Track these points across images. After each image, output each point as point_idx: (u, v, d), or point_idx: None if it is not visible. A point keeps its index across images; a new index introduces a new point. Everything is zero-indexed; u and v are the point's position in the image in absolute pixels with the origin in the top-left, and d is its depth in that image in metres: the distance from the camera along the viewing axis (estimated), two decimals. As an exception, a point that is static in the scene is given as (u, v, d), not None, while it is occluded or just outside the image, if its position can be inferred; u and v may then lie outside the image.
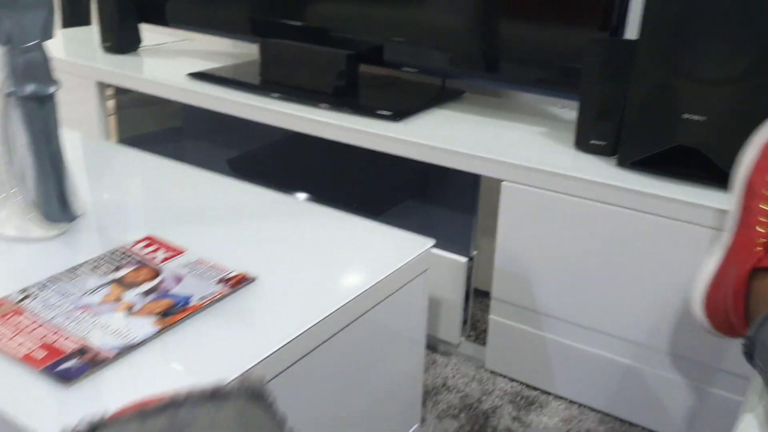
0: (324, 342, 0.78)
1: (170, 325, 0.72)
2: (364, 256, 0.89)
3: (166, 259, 0.84)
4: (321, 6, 1.38)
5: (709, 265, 0.89)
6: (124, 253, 0.85)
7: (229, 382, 0.44)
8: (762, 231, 0.82)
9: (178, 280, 0.80)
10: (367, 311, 0.83)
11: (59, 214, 0.90)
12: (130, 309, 0.74)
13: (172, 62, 1.57)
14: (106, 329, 0.70)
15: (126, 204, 0.99)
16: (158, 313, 0.73)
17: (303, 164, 1.40)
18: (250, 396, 0.44)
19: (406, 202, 1.29)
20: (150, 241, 0.88)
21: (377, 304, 0.85)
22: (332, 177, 1.37)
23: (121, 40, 1.59)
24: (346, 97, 1.32)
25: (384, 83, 1.44)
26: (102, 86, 1.55)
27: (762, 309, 0.77)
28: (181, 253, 0.86)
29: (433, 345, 1.28)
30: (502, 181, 1.09)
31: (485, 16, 1.23)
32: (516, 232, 1.10)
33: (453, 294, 1.20)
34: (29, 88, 0.85)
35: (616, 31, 1.14)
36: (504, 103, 1.40)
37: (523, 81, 1.23)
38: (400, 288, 0.89)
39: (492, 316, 1.17)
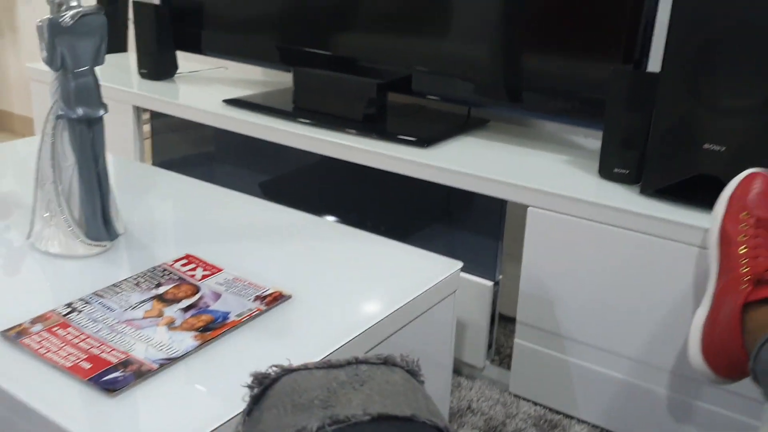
0: (356, 359, 0.80)
1: (210, 339, 0.75)
2: (393, 276, 0.91)
3: (204, 276, 0.88)
4: (351, 37, 1.43)
5: (700, 314, 0.92)
6: (164, 270, 0.89)
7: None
8: (745, 270, 0.86)
9: (217, 296, 0.83)
10: (396, 331, 0.86)
11: (102, 233, 0.95)
12: (171, 323, 0.77)
13: (207, 89, 1.63)
14: (149, 342, 0.74)
15: (164, 223, 1.03)
16: (198, 328, 0.77)
17: (332, 188, 1.43)
18: (409, 370, 0.51)
19: (432, 226, 1.32)
20: (189, 259, 0.92)
21: (406, 324, 0.88)
22: (360, 201, 1.41)
23: (158, 66, 1.64)
24: (375, 123, 1.36)
25: (411, 111, 1.48)
26: (138, 111, 1.60)
27: (759, 338, 0.80)
28: (219, 271, 0.89)
29: (457, 368, 1.30)
30: (528, 206, 1.12)
31: (510, 47, 1.27)
32: (541, 256, 1.13)
33: (478, 317, 1.22)
34: (79, 111, 0.89)
35: (640, 63, 1.17)
36: (528, 132, 1.43)
37: (547, 110, 1.26)
38: (429, 309, 0.92)
39: (517, 340, 1.19)
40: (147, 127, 1.63)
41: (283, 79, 1.75)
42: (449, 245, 1.29)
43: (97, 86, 0.91)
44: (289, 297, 0.84)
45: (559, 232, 1.10)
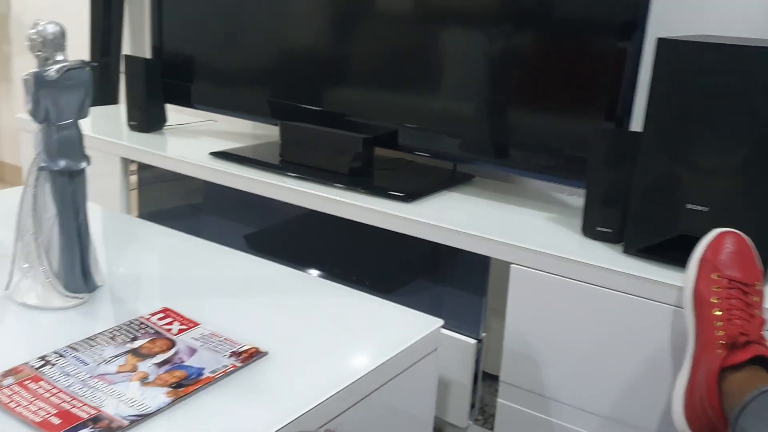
0: (332, 419, 0.79)
1: (183, 396, 0.73)
2: (373, 333, 0.90)
3: (181, 330, 0.87)
4: (338, 92, 1.44)
5: (683, 375, 0.92)
6: (141, 324, 0.87)
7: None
8: (720, 334, 0.86)
9: (192, 352, 0.82)
10: (375, 390, 0.85)
11: (81, 285, 0.94)
12: (144, 379, 0.76)
13: (195, 141, 1.64)
14: (121, 398, 0.72)
15: (144, 276, 1.02)
16: (172, 384, 0.75)
17: (317, 241, 1.43)
18: None
19: (415, 281, 1.32)
20: (166, 313, 0.91)
21: (386, 383, 0.86)
22: (345, 255, 1.40)
23: (147, 119, 1.66)
24: (361, 177, 1.37)
25: (397, 166, 1.49)
26: (126, 162, 1.61)
27: (736, 404, 0.79)
28: (196, 325, 0.88)
29: (440, 428, 1.28)
30: (511, 264, 1.12)
31: (495, 105, 1.28)
32: (525, 314, 1.12)
33: (461, 376, 1.21)
34: (62, 163, 0.90)
35: (621, 122, 1.18)
36: (513, 188, 1.44)
37: (531, 168, 1.27)
38: (409, 367, 0.90)
39: (500, 400, 1.18)
40: (134, 179, 1.63)
41: (272, 132, 1.77)
42: (433, 301, 1.28)
43: (80, 139, 0.91)
44: (265, 354, 0.83)
45: (542, 291, 1.10)
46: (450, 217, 1.21)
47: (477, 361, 1.21)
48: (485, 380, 1.38)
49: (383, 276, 1.34)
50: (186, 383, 0.76)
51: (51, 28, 0.85)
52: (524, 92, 1.26)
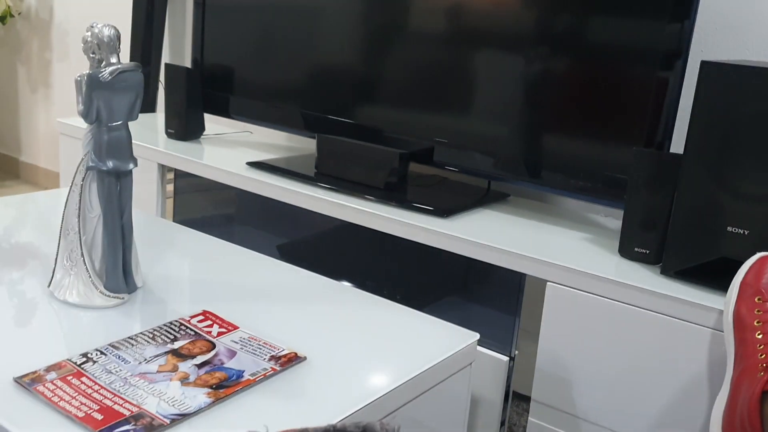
0: (368, 426, 0.79)
1: (223, 397, 0.74)
2: (409, 345, 0.90)
3: (220, 333, 0.87)
4: (375, 107, 1.46)
5: (720, 400, 0.91)
6: (181, 325, 0.88)
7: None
8: (762, 357, 0.85)
9: (232, 354, 0.83)
10: (408, 401, 0.85)
11: (121, 285, 0.95)
12: (185, 379, 0.76)
13: (232, 151, 1.65)
14: (162, 397, 0.73)
15: (183, 279, 1.03)
16: (212, 386, 0.76)
17: (349, 254, 1.44)
18: None
19: (447, 297, 1.32)
20: (205, 315, 0.91)
21: (419, 395, 0.86)
22: (378, 268, 1.40)
23: (185, 127, 1.68)
24: (396, 192, 1.38)
25: (432, 182, 1.50)
26: (163, 169, 1.63)
27: None
28: (235, 329, 0.89)
29: (467, 444, 1.27)
30: (548, 282, 1.11)
31: (533, 126, 1.29)
32: (559, 333, 1.11)
33: (492, 393, 1.20)
34: (110, 164, 0.91)
35: (662, 145, 1.18)
36: (548, 208, 1.43)
37: (568, 188, 1.27)
38: (443, 381, 0.90)
39: (531, 419, 1.17)
40: (170, 186, 1.65)
41: (307, 145, 1.78)
42: (465, 317, 1.28)
43: (129, 140, 0.93)
44: (304, 359, 0.83)
45: (577, 309, 1.09)
46: (485, 234, 1.21)
47: (508, 379, 1.20)
48: (513, 400, 1.37)
49: (415, 291, 1.34)
50: (226, 385, 0.76)
51: (107, 31, 0.87)
52: (563, 113, 1.26)
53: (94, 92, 0.88)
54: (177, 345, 0.84)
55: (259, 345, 0.85)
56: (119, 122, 0.91)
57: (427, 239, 1.23)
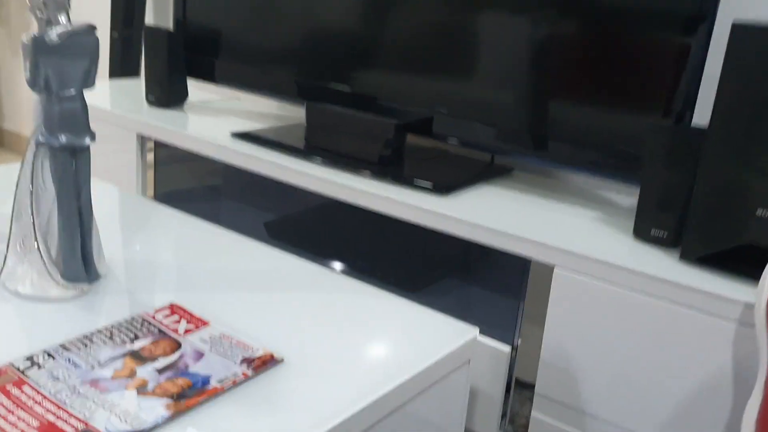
0: (352, 439, 0.70)
1: (184, 410, 0.65)
2: (401, 341, 0.81)
3: (188, 331, 0.78)
4: (370, 73, 1.34)
5: (753, 404, 0.82)
6: (144, 321, 0.79)
7: None
8: None
9: (199, 356, 0.73)
10: (399, 407, 0.75)
11: (80, 274, 0.85)
12: (142, 387, 0.67)
13: (217, 120, 1.55)
14: (114, 410, 0.64)
15: (153, 266, 0.94)
16: (173, 395, 0.66)
17: (341, 232, 1.34)
18: None
19: (445, 280, 1.22)
20: (173, 309, 0.82)
21: (412, 398, 0.77)
22: (370, 248, 1.31)
23: (167, 94, 1.57)
24: (391, 167, 1.27)
25: (430, 156, 1.39)
26: (142, 139, 1.52)
27: None
28: (205, 324, 0.79)
29: (466, 438, 1.19)
30: (555, 267, 1.02)
31: (540, 93, 1.18)
32: (566, 323, 1.02)
33: (493, 385, 1.11)
34: (62, 139, 0.81)
35: (682, 117, 1.07)
36: (555, 184, 1.33)
37: (577, 162, 1.16)
38: (439, 380, 0.81)
39: (534, 413, 1.08)
40: (152, 157, 1.55)
41: (298, 114, 1.67)
42: (464, 303, 1.18)
43: (85, 112, 0.82)
44: (281, 361, 0.74)
45: (586, 298, 0.99)
46: (487, 214, 1.11)
47: (510, 370, 1.11)
48: (517, 388, 1.28)
49: (411, 274, 1.24)
50: (189, 394, 0.67)
51: (53, -14, 0.76)
52: (573, 80, 1.15)
53: (41, 57, 0.77)
54: (137, 345, 0.74)
55: (231, 345, 0.76)
56: (72, 91, 0.81)
57: (423, 219, 1.13)
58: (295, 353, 0.76)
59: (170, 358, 0.72)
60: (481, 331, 1.12)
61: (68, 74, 0.79)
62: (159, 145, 1.54)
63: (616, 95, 1.11)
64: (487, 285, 1.16)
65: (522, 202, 1.19)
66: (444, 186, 1.19)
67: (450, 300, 1.18)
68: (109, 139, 1.55)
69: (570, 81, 1.15)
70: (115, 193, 1.19)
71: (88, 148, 0.84)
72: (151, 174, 1.55)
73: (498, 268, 1.15)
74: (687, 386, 0.94)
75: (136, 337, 0.75)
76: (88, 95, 1.67)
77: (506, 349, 1.09)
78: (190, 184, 1.53)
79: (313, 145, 1.36)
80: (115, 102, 1.61)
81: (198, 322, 0.80)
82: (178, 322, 0.79)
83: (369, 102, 1.35)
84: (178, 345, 0.75)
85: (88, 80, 0.82)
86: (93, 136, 0.84)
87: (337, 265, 1.31)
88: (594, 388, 1.01)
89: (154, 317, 0.80)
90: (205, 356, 0.73)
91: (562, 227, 1.08)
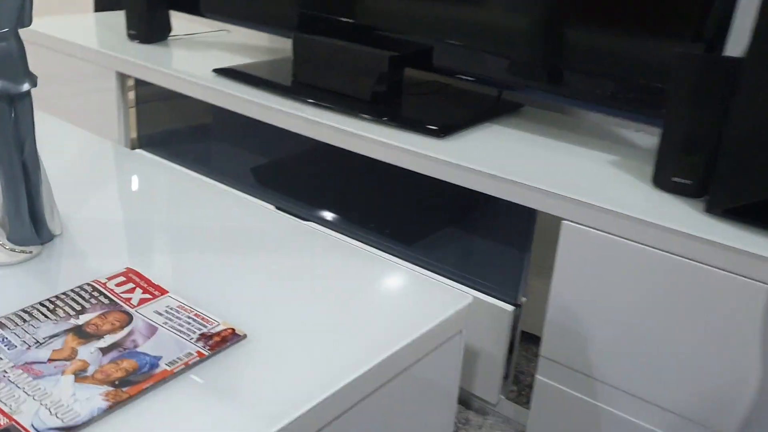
0: (326, 426, 0.61)
1: (125, 399, 0.56)
2: (385, 311, 0.72)
3: (143, 301, 0.69)
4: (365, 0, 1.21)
5: None
6: (94, 290, 0.70)
7: None
8: None
9: (151, 331, 0.65)
10: (382, 385, 0.67)
11: (29, 236, 0.76)
12: (81, 371, 0.59)
13: (201, 55, 1.43)
14: (45, 401, 0.56)
15: (115, 224, 0.85)
16: (114, 381, 0.58)
17: (333, 179, 1.24)
18: None
19: (445, 230, 1.12)
20: (128, 276, 0.73)
21: (395, 376, 0.68)
22: (364, 195, 1.21)
23: (148, 28, 1.45)
24: (385, 105, 1.16)
25: (430, 91, 1.27)
26: (122, 77, 1.42)
27: None
28: (163, 294, 0.71)
29: (466, 400, 1.11)
30: (563, 220, 0.91)
31: (553, 18, 1.05)
32: (575, 281, 0.92)
33: (494, 345, 1.03)
34: (-4, 85, 0.71)
35: (714, 45, 0.94)
36: (568, 122, 1.21)
37: (593, 98, 1.04)
38: (428, 353, 0.72)
39: (539, 377, 0.99)
40: (132, 94, 1.45)
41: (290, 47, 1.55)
42: (463, 257, 1.09)
43: (21, 53, 0.72)
44: (243, 337, 0.65)
45: (598, 254, 0.89)
46: (490, 159, 1.00)
47: (514, 329, 1.02)
48: (524, 342, 1.20)
49: (406, 224, 1.15)
50: (133, 379, 0.58)
51: None
52: (589, 3, 1.01)
53: (-41, -11, 0.66)
54: (82, 320, 0.66)
55: (189, 318, 0.67)
56: (4, 30, 0.70)
57: (418, 166, 1.02)
58: (262, 327, 0.67)
59: (118, 335, 0.64)
60: (482, 288, 1.03)
61: (-3, 9, 0.69)
62: (140, 83, 1.43)
63: (639, 18, 0.98)
64: (489, 237, 1.06)
65: (530, 143, 1.08)
66: (443, 126, 1.08)
67: (448, 253, 1.09)
68: (87, 77, 1.45)
69: (586, 4, 1.01)
70: (83, 139, 1.10)
71: (28, 94, 0.74)
72: (133, 113, 1.45)
73: (501, 218, 1.04)
74: (708, 355, 0.84)
75: (83, 310, 0.67)
76: (68, 28, 1.56)
77: (509, 308, 0.99)
78: (174, 124, 1.43)
79: (301, 81, 1.24)
80: (94, 37, 1.49)
81: (155, 290, 0.71)
82: (133, 290, 0.71)
83: (362, 32, 1.23)
84: (129, 318, 0.67)
85: (23, 16, 0.71)
86: (33, 81, 0.74)
87: (328, 215, 1.22)
88: (604, 353, 0.92)
89: (105, 285, 0.71)
90: (158, 332, 0.65)
91: (572, 173, 0.97)
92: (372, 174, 1.16)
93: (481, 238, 1.06)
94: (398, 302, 0.74)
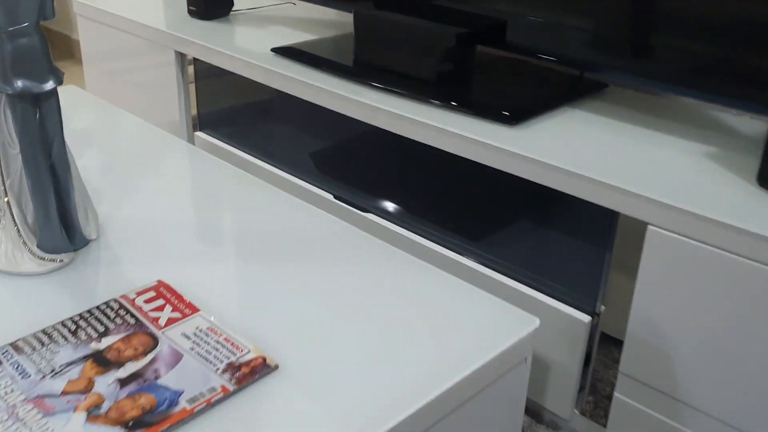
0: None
1: (138, 446, 0.51)
2: (440, 337, 0.64)
3: (171, 321, 0.64)
4: (433, -30, 1.11)
5: None
6: (121, 308, 0.65)
7: None
8: None
9: (176, 359, 0.59)
10: (434, 424, 0.59)
11: (60, 242, 0.72)
12: (95, 408, 0.54)
13: (262, 32, 1.36)
14: (52, 443, 0.51)
15: (156, 226, 0.80)
16: (128, 422, 0.53)
17: (396, 166, 1.15)
18: None
19: (514, 227, 1.02)
20: (159, 291, 0.68)
21: (451, 412, 0.61)
22: (427, 184, 1.11)
23: (209, 3, 1.39)
24: (451, 88, 1.06)
25: (502, 69, 1.16)
26: (181, 55, 1.37)
27: None
28: (195, 312, 0.65)
29: (536, 412, 1.02)
30: (648, 225, 0.80)
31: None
32: (661, 294, 0.81)
33: (568, 357, 0.93)
34: (18, 84, 0.66)
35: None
36: (659, 105, 1.08)
37: (690, 83, 0.91)
38: (488, 386, 0.64)
39: (617, 395, 0.89)
40: (192, 70, 1.40)
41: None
42: (534, 257, 0.99)
43: (45, 49, 0.67)
44: (274, 368, 0.59)
45: (688, 265, 0.78)
46: (566, 150, 0.89)
47: (590, 340, 0.92)
48: (603, 345, 1.10)
49: (470, 221, 1.05)
50: (149, 420, 0.53)
51: None
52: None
53: (-28, -17, 0.61)
54: (104, 343, 0.61)
55: (218, 342, 0.61)
56: (25, 25, 0.65)
57: (484, 157, 0.92)
58: (299, 353, 0.61)
59: (140, 362, 0.59)
60: (555, 293, 0.93)
61: (17, 4, 0.63)
62: (199, 60, 1.38)
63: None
64: (565, 236, 0.96)
65: (614, 131, 0.96)
66: (514, 113, 0.98)
67: (517, 251, 0.99)
68: (146, 54, 1.41)
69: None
70: (135, 126, 1.05)
71: (53, 93, 0.69)
72: (193, 90, 1.40)
73: (579, 216, 0.93)
74: (819, 385, 0.72)
75: (106, 331, 0.62)
76: (130, 4, 1.52)
77: (585, 318, 0.89)
78: (235, 101, 1.37)
79: (361, 61, 1.16)
80: (154, 14, 1.45)
81: (186, 308, 0.65)
82: (162, 308, 0.65)
83: (428, 6, 1.12)
84: (155, 342, 0.61)
85: (45, 9, 0.66)
86: (59, 78, 0.68)
87: (389, 205, 1.14)
88: (689, 373, 0.81)
89: (134, 302, 0.66)
90: (183, 360, 0.59)
91: (662, 169, 0.85)
92: (437, 162, 1.07)
93: (556, 237, 0.96)
94: (454, 326, 0.65)
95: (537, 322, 0.66)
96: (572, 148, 0.90)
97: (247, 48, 1.25)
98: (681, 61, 0.91)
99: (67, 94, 1.16)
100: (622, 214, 0.83)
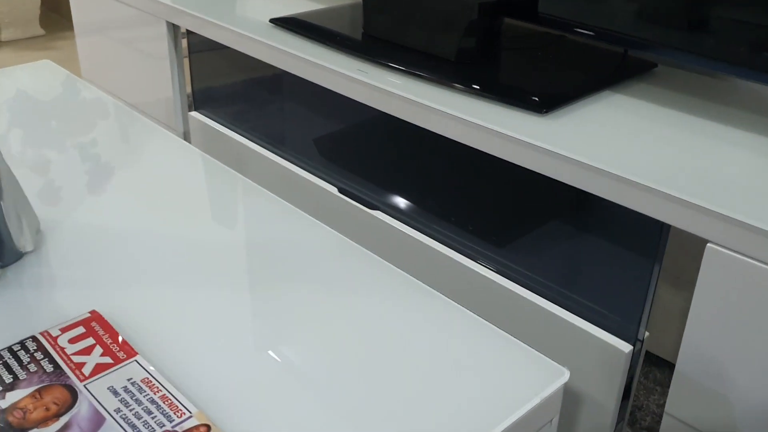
0: None
1: None
2: (457, 392, 0.50)
3: (99, 369, 0.51)
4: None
5: None
6: (38, 349, 0.52)
7: None
8: None
9: (95, 425, 0.46)
10: None
11: (-18, 258, 0.59)
12: (-23, 497, 0.41)
13: (263, 0, 1.21)
14: None
15: (110, 237, 0.66)
16: None
17: (409, 157, 1.00)
18: None
19: (542, 230, 0.87)
20: (90, 325, 0.54)
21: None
22: (444, 179, 0.96)
23: (205, -33, 1.24)
24: (474, 67, 0.91)
25: (533, 47, 1.00)
26: (174, 28, 1.23)
27: None
28: (130, 357, 0.52)
29: (565, 443, 0.88)
30: (708, 242, 0.65)
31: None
32: (718, 325, 0.66)
33: (605, 390, 0.79)
34: None
35: None
36: (717, 87, 0.91)
37: (752, 63, 0.74)
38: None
39: (661, 439, 0.75)
40: (185, 43, 1.26)
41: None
42: (564, 269, 0.83)
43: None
44: (218, 441, 0.46)
45: (756, 293, 0.63)
46: (605, 146, 0.74)
47: (631, 370, 0.77)
48: (648, 364, 0.95)
49: (493, 224, 0.90)
50: None
51: None
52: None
53: None
54: (7, 401, 0.48)
55: (151, 401, 0.48)
56: None
57: (508, 153, 0.77)
58: (268, 422, 0.47)
59: (49, 429, 0.46)
60: (589, 317, 0.79)
61: None
62: (193, 32, 1.24)
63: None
64: (603, 248, 0.80)
65: (663, 122, 0.80)
66: (545, 99, 0.82)
67: (544, 264, 0.84)
68: (137, 25, 1.27)
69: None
70: (113, 111, 0.92)
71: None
72: (187, 65, 1.26)
73: (621, 225, 0.78)
74: None
75: (14, 383, 0.49)
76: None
77: (626, 348, 0.74)
78: (233, 77, 1.23)
79: (371, 35, 1.00)
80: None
81: (119, 352, 0.52)
82: (90, 350, 0.52)
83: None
84: (73, 399, 0.48)
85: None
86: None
87: (400, 202, 0.99)
88: (748, 419, 0.66)
89: (57, 340, 0.53)
90: (105, 426, 0.46)
91: (726, 171, 0.69)
92: (456, 155, 0.92)
93: (593, 248, 0.80)
94: (478, 374, 0.51)
95: (567, 374, 0.52)
96: (611, 143, 0.74)
97: (244, 18, 1.10)
98: (745, 37, 0.74)
99: (40, 70, 1.03)
100: (674, 227, 0.68)
